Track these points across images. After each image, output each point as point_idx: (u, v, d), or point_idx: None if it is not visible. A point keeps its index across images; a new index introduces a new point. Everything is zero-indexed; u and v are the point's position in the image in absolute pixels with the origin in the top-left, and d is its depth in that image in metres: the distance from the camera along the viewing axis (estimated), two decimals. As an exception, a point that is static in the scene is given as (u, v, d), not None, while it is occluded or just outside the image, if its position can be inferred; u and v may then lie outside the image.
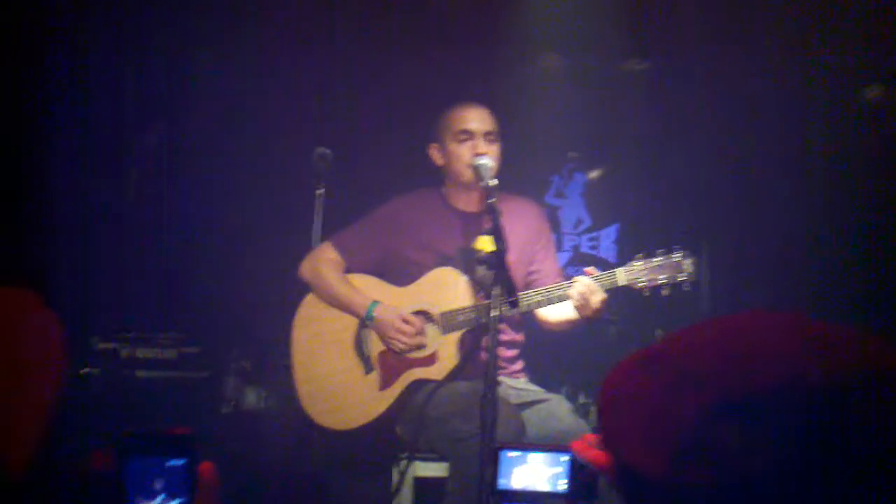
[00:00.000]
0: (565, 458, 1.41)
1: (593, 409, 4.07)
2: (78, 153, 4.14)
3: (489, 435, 2.56)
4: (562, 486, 1.41)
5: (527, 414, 3.24)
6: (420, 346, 3.31)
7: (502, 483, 1.43)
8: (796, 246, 4.33)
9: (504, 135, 3.48)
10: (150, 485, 1.09)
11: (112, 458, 1.08)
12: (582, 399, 4.39)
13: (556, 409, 3.24)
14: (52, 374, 1.12)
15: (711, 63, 4.34)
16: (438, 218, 3.50)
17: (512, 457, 1.44)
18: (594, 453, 1.07)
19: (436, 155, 3.50)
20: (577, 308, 3.14)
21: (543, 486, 1.41)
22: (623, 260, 4.59)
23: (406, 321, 3.29)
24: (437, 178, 3.56)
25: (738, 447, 0.78)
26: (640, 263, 3.15)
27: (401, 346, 3.29)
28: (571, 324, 3.36)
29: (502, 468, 1.44)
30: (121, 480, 1.07)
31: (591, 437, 1.12)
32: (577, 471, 1.38)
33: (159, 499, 1.08)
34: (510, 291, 2.68)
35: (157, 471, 1.09)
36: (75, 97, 4.02)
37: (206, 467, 1.10)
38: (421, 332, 3.30)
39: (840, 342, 0.82)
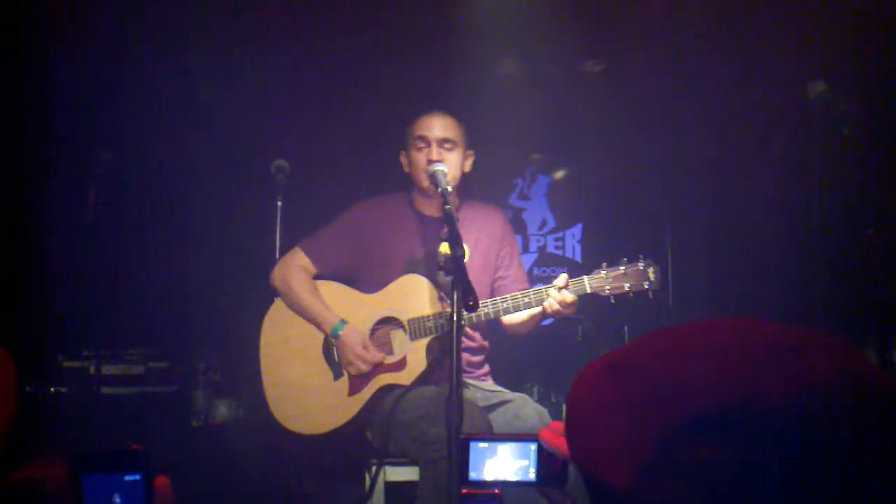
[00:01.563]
0: (534, 446, 1.41)
1: (565, 407, 4.11)
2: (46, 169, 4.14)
3: (457, 437, 2.58)
4: (531, 474, 1.42)
5: (493, 415, 3.27)
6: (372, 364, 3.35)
7: (473, 475, 1.44)
8: (758, 245, 4.40)
9: (469, 142, 3.53)
10: (108, 500, 1.11)
11: (60, 469, 1.11)
12: (553, 398, 4.43)
13: (521, 410, 3.28)
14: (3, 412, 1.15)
15: (668, 64, 4.40)
16: (405, 223, 3.54)
17: (482, 448, 1.44)
18: (562, 441, 1.07)
19: (403, 162, 3.56)
20: (550, 314, 3.21)
21: (513, 476, 1.42)
22: (589, 258, 4.65)
23: (367, 348, 3.32)
24: (409, 185, 3.61)
25: (704, 464, 0.77)
26: (605, 272, 3.22)
27: (354, 370, 3.33)
28: (535, 321, 3.41)
29: (473, 460, 1.44)
30: (78, 498, 1.10)
31: (558, 425, 1.13)
32: (546, 458, 1.38)
33: None
34: (468, 296, 2.72)
35: (115, 486, 1.11)
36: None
37: (161, 481, 1.12)
38: (375, 360, 3.33)
39: (798, 350, 0.81)
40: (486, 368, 3.55)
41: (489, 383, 3.49)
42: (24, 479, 1.11)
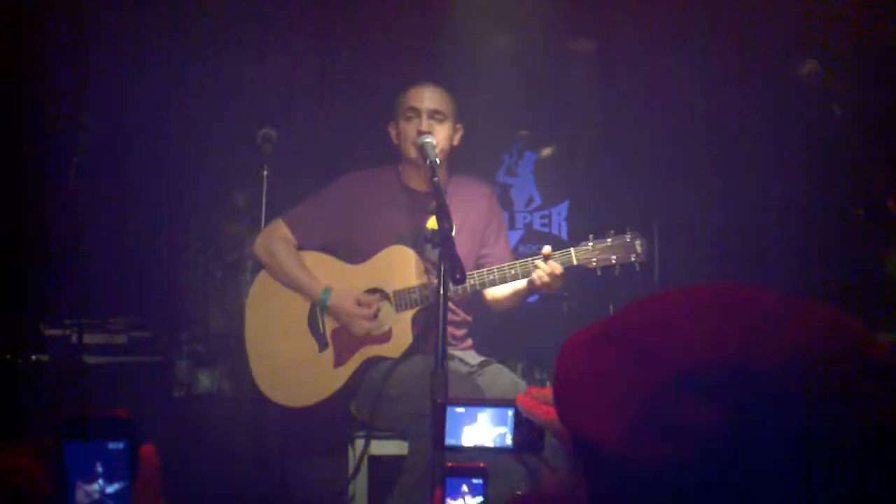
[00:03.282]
0: (511, 412, 1.40)
1: (549, 384, 4.10)
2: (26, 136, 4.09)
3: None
4: (508, 441, 1.41)
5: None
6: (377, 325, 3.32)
7: (450, 441, 1.43)
8: (746, 223, 4.40)
9: (459, 115, 3.50)
10: (91, 468, 1.06)
11: (46, 473, 1.05)
12: (537, 374, 4.43)
13: (497, 376, 3.30)
14: None
15: (657, 41, 4.38)
16: (391, 196, 3.51)
17: (459, 413, 1.43)
18: (538, 407, 1.06)
19: (392, 133, 3.52)
20: (537, 287, 3.19)
21: (490, 442, 1.41)
22: (574, 236, 4.63)
23: (361, 303, 3.29)
24: (397, 158, 3.57)
25: (696, 423, 0.76)
26: (592, 244, 3.21)
27: (360, 330, 3.30)
28: (520, 296, 3.40)
29: (450, 425, 1.43)
30: (62, 468, 1.05)
31: (535, 391, 1.11)
32: (523, 425, 1.37)
33: (100, 482, 1.06)
34: (455, 269, 2.70)
35: (97, 454, 1.06)
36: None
37: (146, 450, 1.07)
38: (377, 312, 3.31)
39: (795, 316, 0.80)
40: (469, 342, 3.55)
41: (472, 353, 3.50)
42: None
